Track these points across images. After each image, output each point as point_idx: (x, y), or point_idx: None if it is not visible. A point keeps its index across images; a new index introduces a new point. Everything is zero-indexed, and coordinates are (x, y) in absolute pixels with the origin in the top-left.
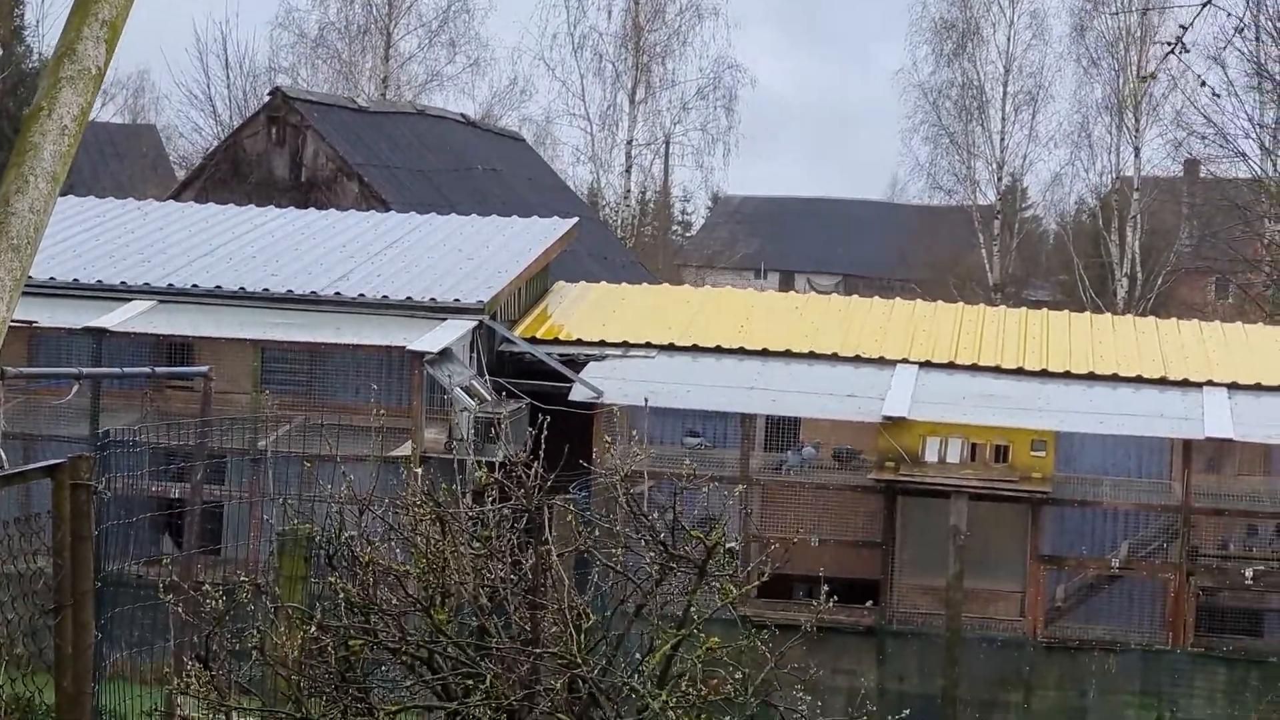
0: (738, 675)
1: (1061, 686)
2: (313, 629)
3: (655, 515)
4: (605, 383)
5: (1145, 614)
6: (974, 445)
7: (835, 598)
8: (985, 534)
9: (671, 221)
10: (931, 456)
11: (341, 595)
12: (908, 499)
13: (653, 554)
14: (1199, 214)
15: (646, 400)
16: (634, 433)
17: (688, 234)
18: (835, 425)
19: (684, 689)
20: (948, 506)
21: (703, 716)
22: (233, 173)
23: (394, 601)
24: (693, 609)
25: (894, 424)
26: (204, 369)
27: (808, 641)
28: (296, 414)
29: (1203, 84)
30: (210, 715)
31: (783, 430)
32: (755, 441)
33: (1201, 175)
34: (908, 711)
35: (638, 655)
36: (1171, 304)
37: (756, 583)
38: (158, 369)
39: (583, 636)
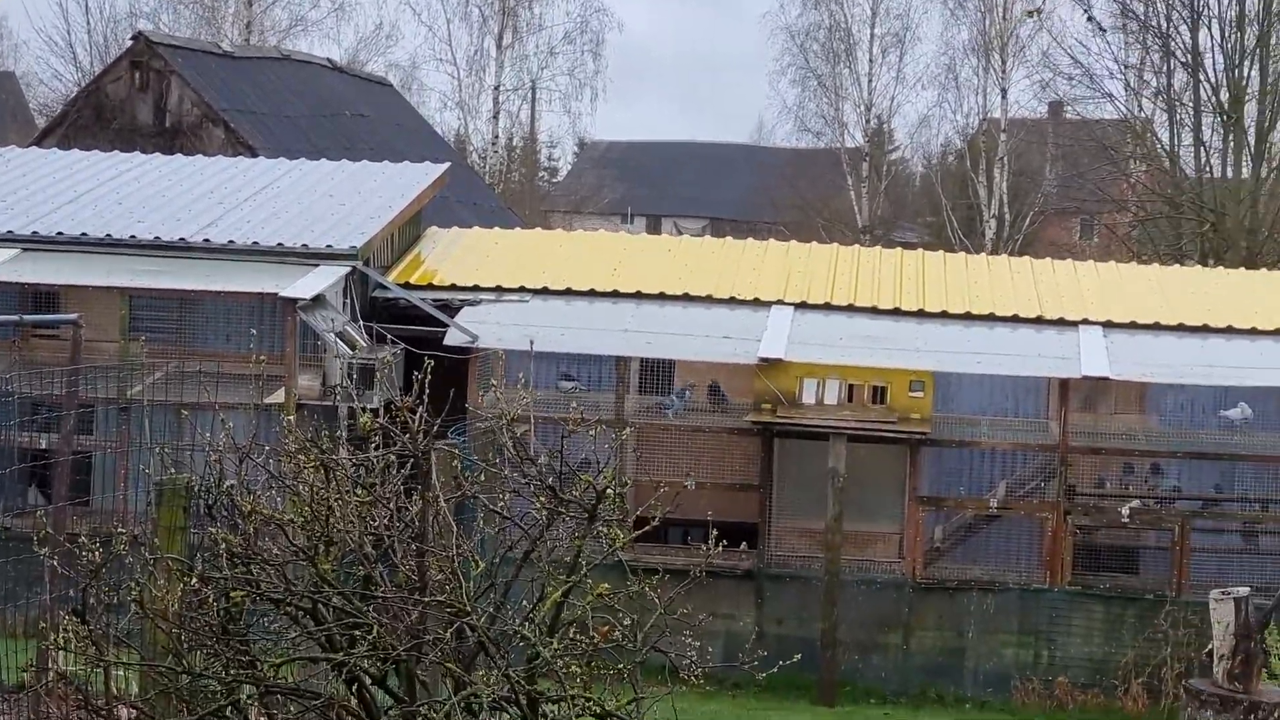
0: (626, 622)
1: (940, 627)
2: (193, 581)
3: (541, 460)
4: (480, 327)
5: (1023, 553)
6: (851, 386)
7: (725, 542)
8: (864, 476)
9: (539, 168)
10: (809, 398)
11: (222, 546)
12: (785, 441)
13: (541, 499)
14: (1066, 155)
15: (532, 343)
16: (520, 375)
17: (555, 180)
18: (711, 368)
19: (573, 636)
20: (826, 448)
21: (593, 663)
22: (95, 119)
23: (276, 551)
24: (582, 555)
25: (770, 365)
26: (73, 316)
27: (683, 585)
28: (167, 362)
29: (1089, 18)
30: (87, 670)
31: (657, 373)
32: (630, 385)
33: (1068, 116)
34: (798, 656)
35: (526, 603)
36: (1039, 245)
37: (648, 527)
38: (26, 317)
39: (470, 584)
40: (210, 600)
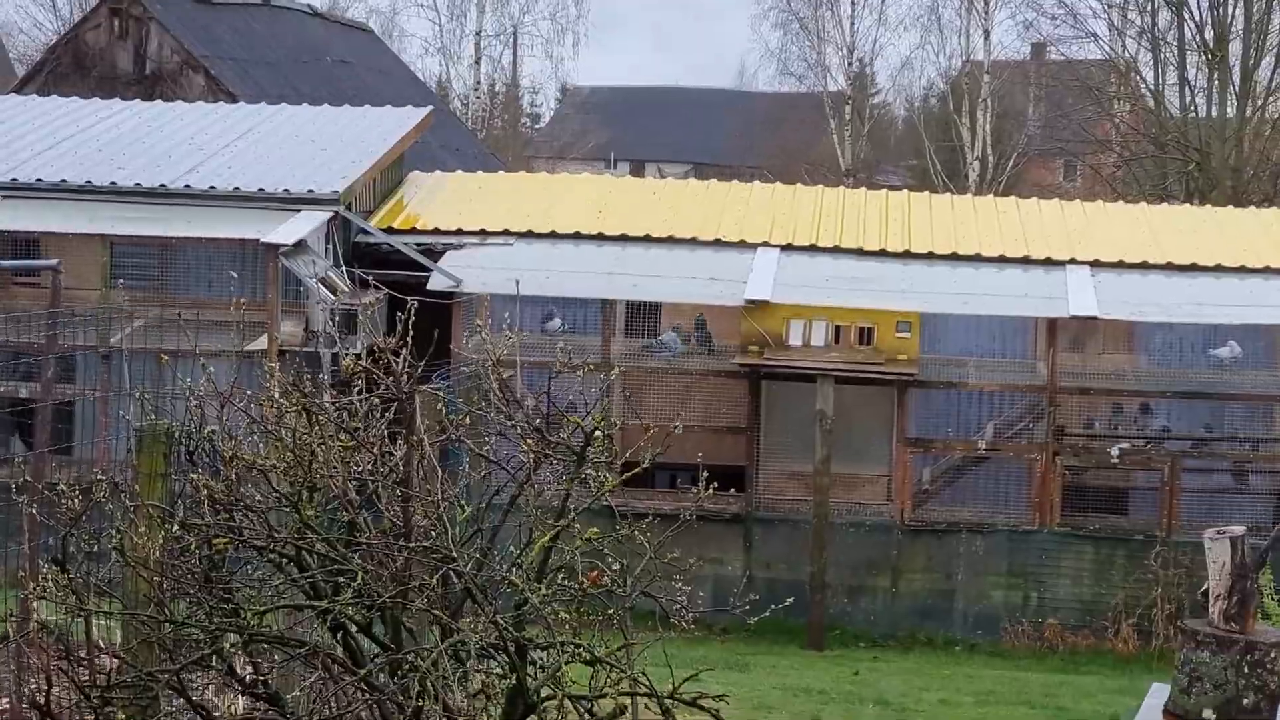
0: (615, 567)
1: (929, 569)
2: (174, 528)
3: (528, 402)
4: (464, 271)
5: (1012, 495)
6: (838, 328)
7: (715, 485)
8: (851, 418)
9: (521, 114)
10: (796, 340)
11: (204, 492)
12: (772, 384)
13: (528, 442)
14: (1049, 96)
15: (518, 283)
16: (505, 316)
17: (537, 126)
18: (696, 310)
19: (562, 582)
20: (813, 390)
21: (582, 609)
22: (75, 67)
23: (259, 498)
24: (570, 499)
25: (757, 307)
26: (53, 261)
27: (669, 529)
28: (149, 309)
29: None
30: (68, 619)
31: (643, 316)
32: (615, 327)
33: (1051, 57)
34: (790, 600)
35: (513, 548)
36: (1022, 187)
37: (638, 469)
38: (3, 262)
39: (456, 530)
40: (193, 548)
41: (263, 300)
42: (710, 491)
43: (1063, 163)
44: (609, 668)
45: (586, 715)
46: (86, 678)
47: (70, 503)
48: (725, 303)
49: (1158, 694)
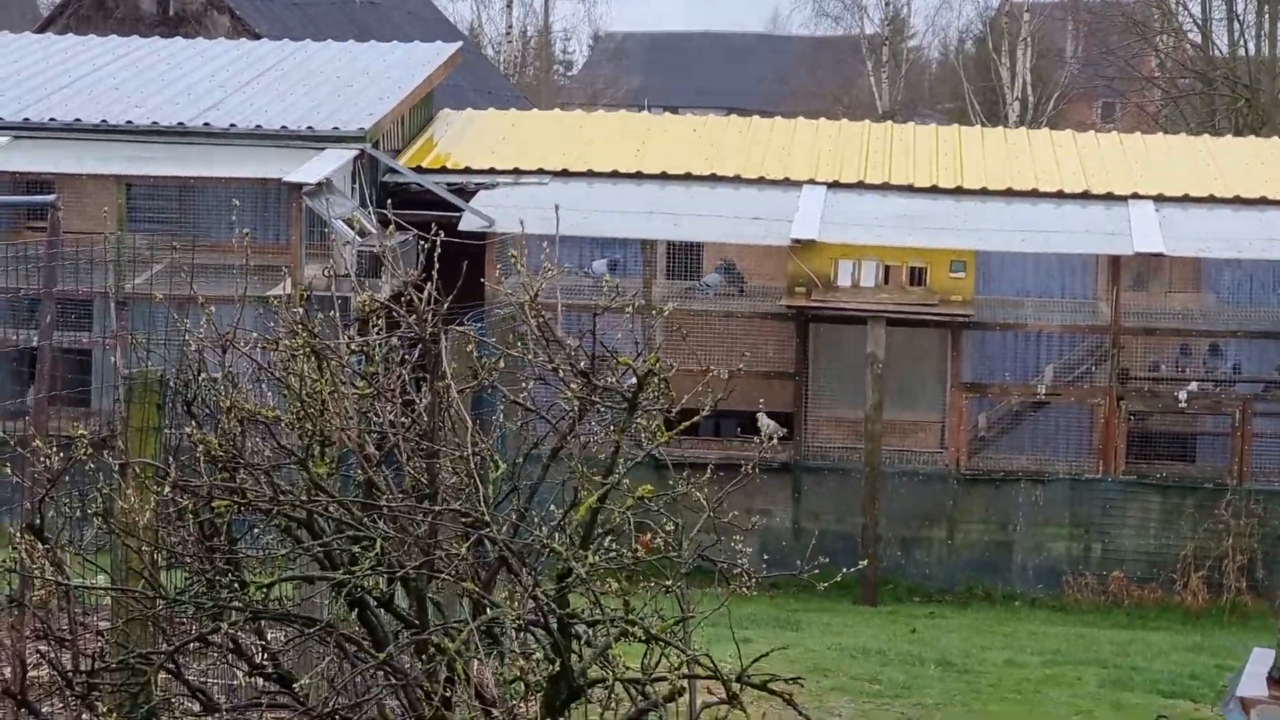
0: (669, 527)
1: (986, 519)
2: (167, 489)
3: (572, 343)
4: (496, 211)
5: (1073, 442)
6: (889, 268)
7: (783, 431)
8: (903, 362)
9: (554, 61)
10: (844, 281)
11: (202, 448)
12: (820, 326)
13: (572, 387)
14: (1091, 33)
15: (558, 209)
16: (542, 256)
17: (570, 73)
18: (741, 250)
19: (610, 547)
20: (863, 333)
21: (633, 579)
22: (97, 9)
23: (269, 454)
24: (620, 453)
25: (803, 247)
26: (50, 198)
27: (719, 482)
28: (165, 253)
29: None
30: (46, 594)
31: (685, 257)
32: (656, 269)
33: None
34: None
35: (555, 509)
36: (1062, 127)
37: (697, 419)
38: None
39: (489, 489)
40: (189, 511)
41: (284, 243)
42: (772, 441)
43: (1100, 104)
44: (665, 646)
45: (640, 699)
46: (69, 661)
47: (47, 461)
48: (770, 242)
49: (1261, 660)
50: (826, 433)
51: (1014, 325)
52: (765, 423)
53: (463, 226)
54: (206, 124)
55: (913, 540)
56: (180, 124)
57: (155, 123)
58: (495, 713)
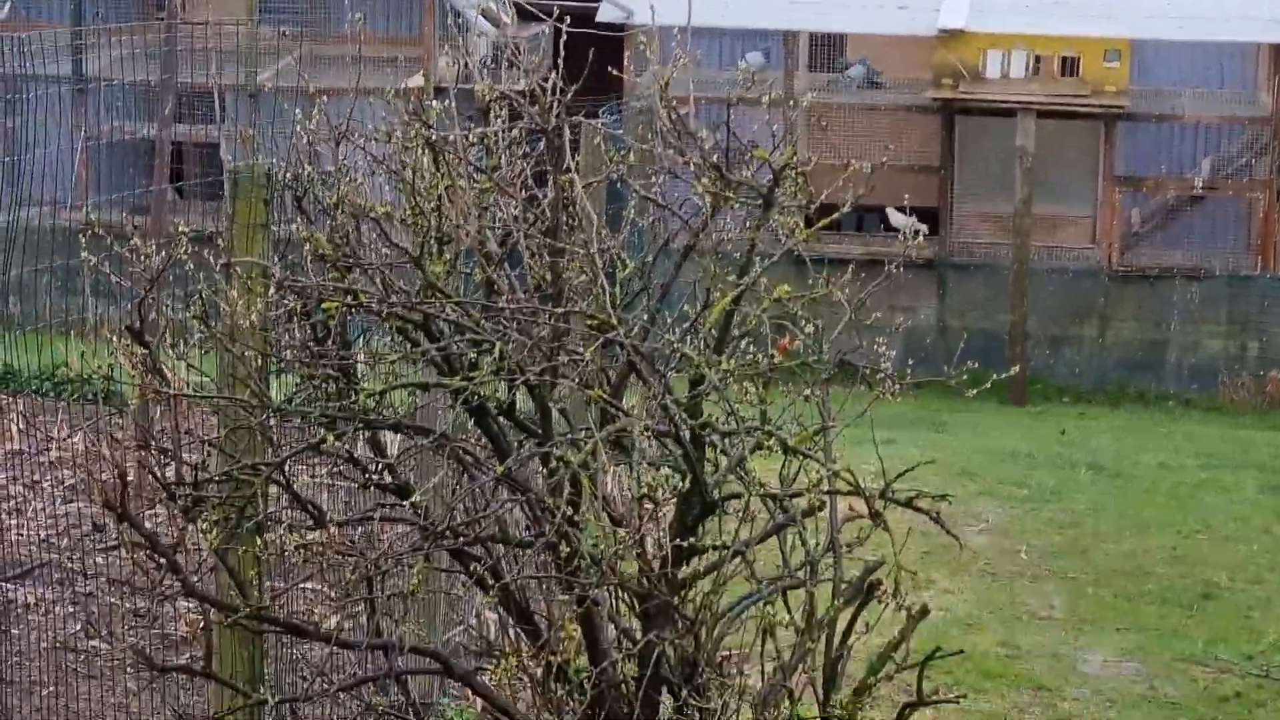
0: (808, 329)
1: (1139, 318)
2: (271, 290)
3: (704, 134)
4: (636, 2)
5: (1230, 237)
6: (1039, 58)
7: (920, 226)
8: (1053, 155)
9: None
10: (993, 72)
11: (308, 247)
12: (967, 119)
13: (705, 181)
14: None
15: None
16: (675, 44)
17: None
18: (885, 42)
19: (746, 351)
20: (1012, 126)
21: (770, 385)
22: None
23: (385, 251)
24: (756, 250)
25: (951, 37)
26: None
27: (861, 280)
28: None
29: None
30: (147, 402)
31: (827, 49)
32: (798, 61)
33: None
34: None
35: (688, 310)
36: None
37: (837, 215)
38: None
39: (617, 289)
40: (297, 313)
41: (416, 35)
42: (919, 239)
43: None
44: (804, 458)
45: (778, 513)
46: (172, 472)
47: (146, 259)
48: (916, 32)
49: None
50: (972, 228)
51: (1170, 117)
52: (898, 218)
53: (600, 18)
54: None
55: (1062, 339)
56: None
57: None
58: (623, 531)
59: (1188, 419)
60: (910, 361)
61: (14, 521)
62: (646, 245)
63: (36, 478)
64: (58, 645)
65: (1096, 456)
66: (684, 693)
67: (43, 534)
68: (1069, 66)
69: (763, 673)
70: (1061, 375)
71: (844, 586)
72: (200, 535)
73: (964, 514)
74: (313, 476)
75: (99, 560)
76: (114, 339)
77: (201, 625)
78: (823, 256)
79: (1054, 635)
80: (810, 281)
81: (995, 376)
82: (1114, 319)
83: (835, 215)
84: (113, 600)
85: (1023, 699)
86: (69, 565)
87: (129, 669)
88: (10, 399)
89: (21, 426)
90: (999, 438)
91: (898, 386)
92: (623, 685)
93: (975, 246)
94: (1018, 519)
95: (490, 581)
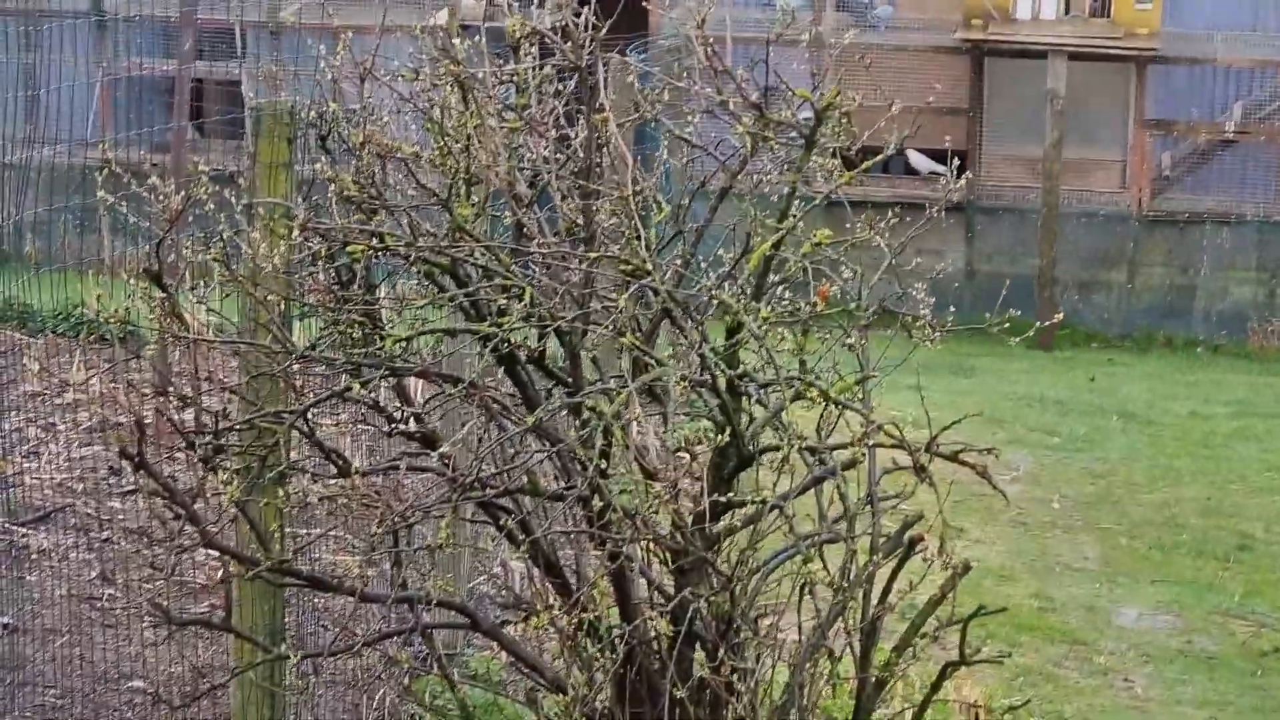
0: (847, 275)
1: (1169, 263)
2: (295, 233)
3: (741, 73)
4: None
5: (1261, 182)
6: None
7: (941, 168)
8: (1084, 98)
9: None
10: (1023, 13)
11: (332, 188)
12: (997, 60)
13: (744, 121)
14: None
15: None
16: None
17: None
18: None
19: (784, 297)
20: (1043, 68)
21: (808, 333)
22: None
23: (412, 192)
24: (796, 194)
25: None
26: None
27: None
28: None
29: None
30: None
31: None
32: (826, 2)
33: None
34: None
35: (724, 254)
36: None
37: (881, 157)
38: None
39: (651, 233)
40: (321, 256)
41: None
42: (960, 184)
43: None
44: (843, 408)
45: (816, 466)
46: (191, 420)
47: (165, 199)
48: None
49: None
50: (1001, 171)
51: (1202, 60)
52: (919, 160)
53: None
54: None
55: (1091, 284)
56: None
57: None
58: (658, 485)
59: (1216, 366)
60: (936, 305)
61: (30, 464)
62: (675, 188)
63: (54, 420)
64: (74, 594)
65: (1127, 404)
66: (720, 651)
67: (60, 477)
68: (1100, 8)
69: (800, 630)
70: (1090, 321)
71: (882, 541)
72: (220, 485)
73: (994, 463)
74: (336, 424)
75: (116, 504)
76: (131, 280)
77: (221, 577)
78: (846, 199)
79: (1088, 587)
80: (848, 225)
81: (1037, 324)
82: (1143, 264)
83: (880, 157)
84: (130, 548)
85: (1058, 653)
86: (86, 511)
87: (146, 619)
88: (28, 339)
89: (38, 369)
90: (1027, 384)
91: (938, 334)
92: (654, 642)
93: (1004, 190)
94: (1049, 468)
95: (520, 535)
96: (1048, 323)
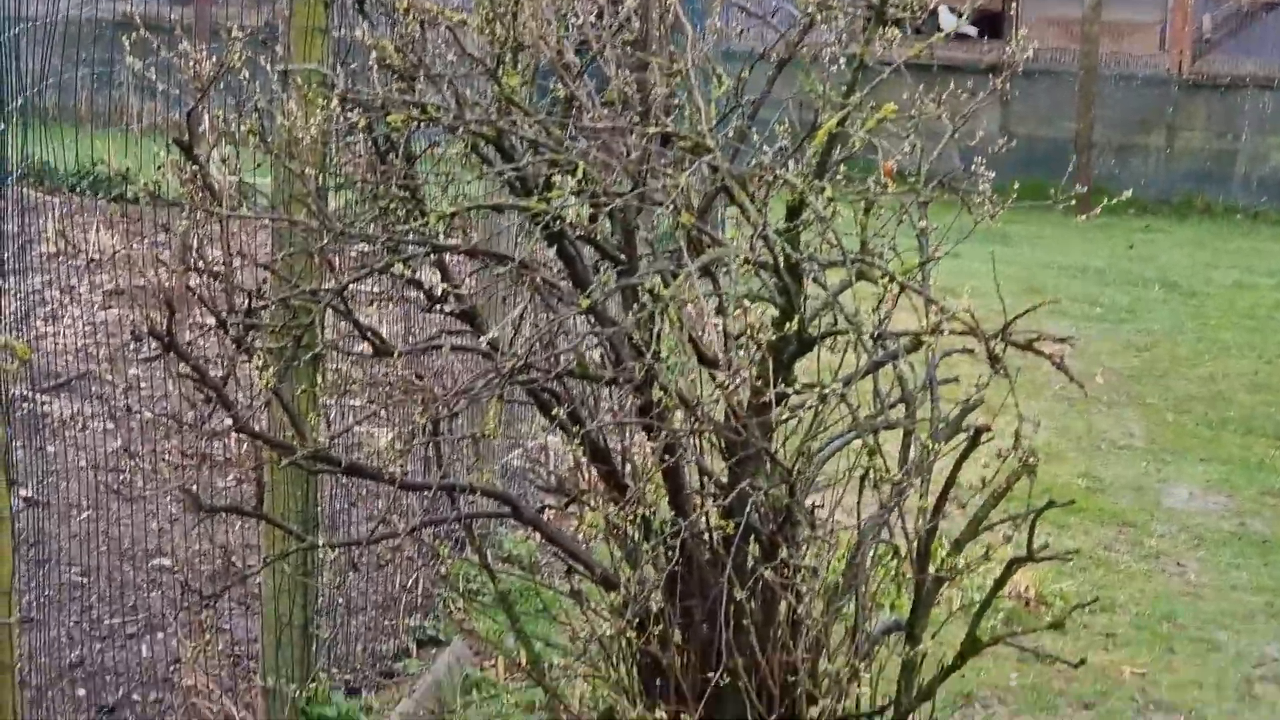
0: (905, 150)
1: (1209, 128)
2: (334, 101)
3: None
4: None
5: None
6: None
7: (971, 32)
8: None
9: None
10: None
11: (373, 55)
12: None
13: None
14: None
15: None
16: None
17: None
18: None
19: (848, 175)
20: None
21: (871, 212)
22: None
23: (452, 59)
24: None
25: None
26: None
27: (925, 85)
28: None
29: None
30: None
31: None
32: None
33: None
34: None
35: (780, 131)
36: None
37: (952, 29)
38: None
39: (710, 107)
40: (360, 125)
41: None
42: (1026, 48)
43: None
44: (905, 290)
45: (878, 351)
46: (223, 298)
47: (195, 65)
48: None
49: None
50: (1037, 32)
51: None
52: (948, 18)
53: None
54: None
55: (1128, 148)
56: None
57: None
58: (718, 375)
59: (1257, 234)
60: (964, 167)
61: (50, 329)
62: (739, 60)
63: (73, 282)
64: (95, 466)
65: (1168, 272)
66: (783, 549)
67: (80, 342)
68: None
69: (859, 522)
70: (1128, 185)
71: (942, 427)
72: (253, 368)
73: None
74: (371, 302)
75: (138, 372)
76: (154, 141)
77: (253, 464)
78: (887, 62)
79: (1136, 466)
80: (906, 96)
81: (1080, 190)
82: (1182, 129)
83: (953, 28)
84: (151, 417)
85: (1108, 535)
86: (108, 379)
87: (171, 497)
88: (46, 196)
89: (57, 228)
90: (1065, 252)
91: (998, 209)
92: (707, 535)
93: (1040, 52)
94: (1092, 340)
95: (570, 425)
96: (1088, 190)
